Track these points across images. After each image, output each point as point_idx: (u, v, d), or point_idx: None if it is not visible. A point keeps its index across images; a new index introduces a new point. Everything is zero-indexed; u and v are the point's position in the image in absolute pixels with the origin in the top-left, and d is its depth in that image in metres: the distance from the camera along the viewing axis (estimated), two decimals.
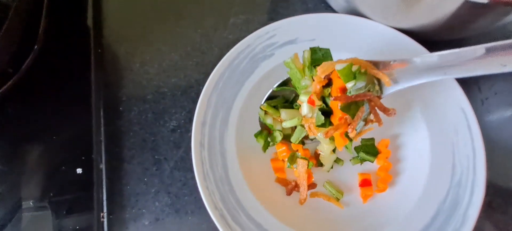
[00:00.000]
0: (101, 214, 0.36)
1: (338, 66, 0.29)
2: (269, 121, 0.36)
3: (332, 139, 0.33)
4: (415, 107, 0.37)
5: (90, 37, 0.44)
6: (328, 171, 0.35)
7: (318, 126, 0.31)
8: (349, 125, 0.30)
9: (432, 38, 0.40)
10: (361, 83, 0.29)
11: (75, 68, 0.43)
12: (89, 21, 0.46)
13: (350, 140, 0.31)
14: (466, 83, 0.45)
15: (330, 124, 0.31)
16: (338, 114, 0.30)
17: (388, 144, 0.37)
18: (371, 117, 0.33)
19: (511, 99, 0.44)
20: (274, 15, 0.47)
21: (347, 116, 0.29)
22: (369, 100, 0.33)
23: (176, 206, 0.38)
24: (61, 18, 0.45)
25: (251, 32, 0.46)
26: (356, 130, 0.30)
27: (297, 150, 0.35)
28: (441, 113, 0.36)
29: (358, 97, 0.29)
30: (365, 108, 0.32)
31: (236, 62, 0.37)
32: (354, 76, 0.29)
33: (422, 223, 0.33)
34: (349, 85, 0.29)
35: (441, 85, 0.37)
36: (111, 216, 0.37)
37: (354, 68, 0.30)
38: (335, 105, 0.30)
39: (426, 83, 0.36)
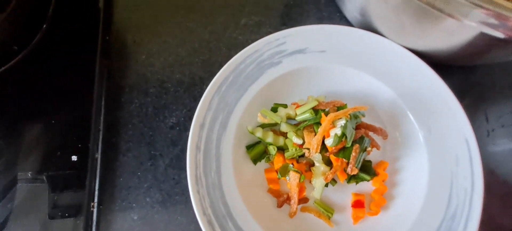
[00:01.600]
0: (92, 204, 0.36)
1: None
2: (258, 134, 0.35)
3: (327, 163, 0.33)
4: (419, 132, 0.36)
5: (99, 22, 0.44)
6: (319, 197, 0.35)
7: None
8: (348, 164, 0.31)
9: (445, 63, 0.39)
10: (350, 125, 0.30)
11: (81, 52, 0.43)
12: (100, 4, 0.45)
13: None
14: (474, 112, 0.44)
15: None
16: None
17: (386, 166, 0.37)
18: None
19: None
20: (286, 20, 0.47)
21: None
22: (359, 128, 0.33)
23: (166, 204, 0.37)
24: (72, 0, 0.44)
25: (262, 35, 0.46)
26: (356, 166, 0.30)
27: (291, 163, 0.35)
28: (444, 142, 0.35)
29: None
30: (365, 142, 0.32)
31: (242, 66, 0.36)
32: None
33: None
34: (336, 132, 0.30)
35: (447, 112, 0.36)
36: (101, 206, 0.37)
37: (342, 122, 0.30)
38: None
39: (433, 109, 0.35)
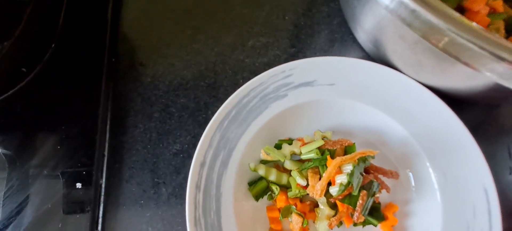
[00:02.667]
0: None
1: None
2: (261, 171, 0.34)
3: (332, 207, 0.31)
4: (432, 176, 0.34)
5: (106, 43, 0.44)
6: None
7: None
8: (354, 210, 0.29)
9: (461, 99, 0.37)
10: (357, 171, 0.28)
11: (87, 75, 0.42)
12: (107, 25, 0.45)
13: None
14: (496, 147, 0.41)
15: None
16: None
17: (396, 210, 0.35)
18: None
19: None
20: (296, 42, 0.45)
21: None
22: (368, 171, 0.32)
23: None
24: (78, 23, 0.44)
25: (269, 57, 0.44)
26: (363, 214, 0.29)
27: (294, 203, 0.33)
28: (460, 189, 0.33)
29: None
30: (374, 186, 0.30)
31: (245, 100, 0.35)
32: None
33: None
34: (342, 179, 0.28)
35: (465, 157, 0.33)
36: None
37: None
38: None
39: (449, 152, 0.33)
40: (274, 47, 0.44)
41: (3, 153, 0.40)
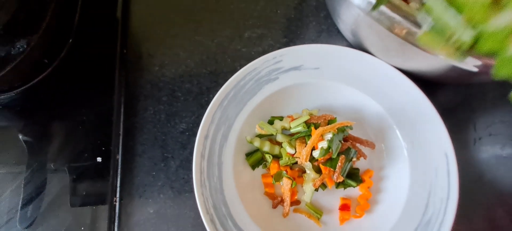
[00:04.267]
0: (114, 199, 0.43)
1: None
2: (256, 143, 0.40)
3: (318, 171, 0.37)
4: (402, 145, 0.40)
5: (117, 36, 0.49)
6: (309, 201, 0.39)
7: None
8: (334, 172, 0.35)
9: (433, 81, 0.42)
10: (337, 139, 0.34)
11: (102, 65, 0.48)
12: (118, 20, 0.50)
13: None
14: (463, 121, 0.47)
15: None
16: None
17: (372, 174, 0.41)
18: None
19: (504, 143, 0.46)
20: (287, 33, 0.50)
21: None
22: (347, 140, 0.37)
23: (177, 200, 0.43)
24: (92, 19, 0.49)
25: (264, 47, 0.50)
26: (341, 175, 0.35)
27: (285, 170, 0.39)
28: (425, 154, 0.39)
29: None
30: (351, 153, 0.36)
31: (242, 83, 0.41)
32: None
33: None
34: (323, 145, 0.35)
35: (430, 127, 0.39)
36: (122, 201, 0.43)
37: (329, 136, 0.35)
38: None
39: (417, 124, 0.39)
40: (268, 38, 0.50)
41: (23, 140, 0.46)
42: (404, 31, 0.31)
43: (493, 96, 0.48)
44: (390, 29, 0.31)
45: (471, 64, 0.30)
